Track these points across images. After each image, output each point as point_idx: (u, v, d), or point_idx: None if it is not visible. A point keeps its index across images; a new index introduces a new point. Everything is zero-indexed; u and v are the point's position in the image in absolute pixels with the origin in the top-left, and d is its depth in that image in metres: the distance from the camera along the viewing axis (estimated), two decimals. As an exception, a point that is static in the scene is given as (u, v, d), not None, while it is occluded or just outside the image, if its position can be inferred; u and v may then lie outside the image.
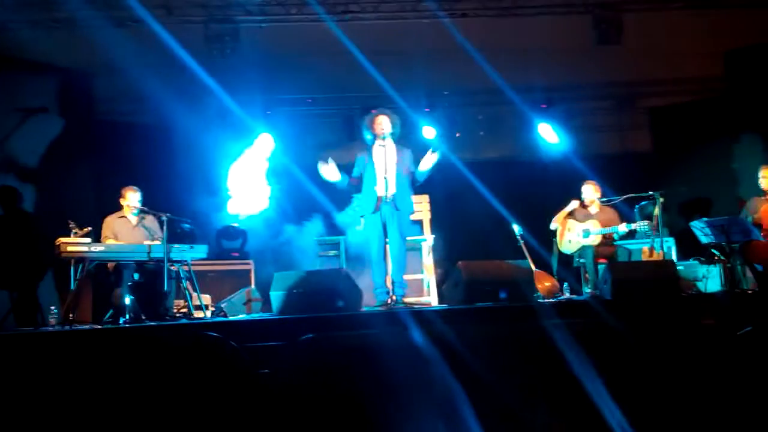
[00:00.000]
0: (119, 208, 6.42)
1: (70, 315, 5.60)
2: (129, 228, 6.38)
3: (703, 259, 7.06)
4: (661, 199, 6.64)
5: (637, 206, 7.50)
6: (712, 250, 6.72)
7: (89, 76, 7.80)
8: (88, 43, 7.28)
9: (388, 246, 5.97)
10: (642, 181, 7.80)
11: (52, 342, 4.70)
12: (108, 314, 5.92)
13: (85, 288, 6.04)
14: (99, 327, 5.54)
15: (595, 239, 6.65)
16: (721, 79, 8.79)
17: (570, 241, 6.84)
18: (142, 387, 3.98)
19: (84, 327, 5.62)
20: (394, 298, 5.79)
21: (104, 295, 6.15)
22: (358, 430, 4.08)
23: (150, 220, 6.48)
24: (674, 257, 7.27)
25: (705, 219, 6.40)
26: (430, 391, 4.12)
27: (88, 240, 5.86)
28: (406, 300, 5.98)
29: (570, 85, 9.57)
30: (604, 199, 6.97)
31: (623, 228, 6.58)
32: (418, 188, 6.22)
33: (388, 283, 5.92)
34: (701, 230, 6.40)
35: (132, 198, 6.36)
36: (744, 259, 6.33)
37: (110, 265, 6.11)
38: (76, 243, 5.74)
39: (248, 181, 8.67)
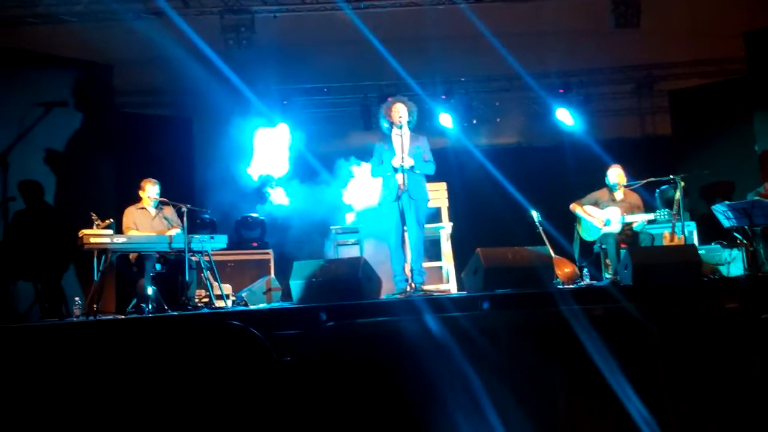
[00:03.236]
0: (139, 199, 6.50)
1: (94, 306, 5.67)
2: (149, 219, 6.45)
3: (725, 243, 6.97)
4: (682, 183, 6.55)
5: (657, 190, 7.42)
6: (735, 234, 6.63)
7: (108, 69, 7.85)
8: (106, 37, 7.35)
9: (406, 234, 5.97)
10: (662, 164, 7.72)
11: (77, 332, 4.77)
12: (131, 304, 5.99)
13: (109, 279, 6.11)
14: (123, 317, 5.62)
15: (616, 227, 6.56)
16: (741, 60, 8.65)
17: (591, 228, 6.77)
18: (167, 376, 4.04)
19: (108, 317, 5.70)
20: (413, 285, 5.80)
21: (127, 286, 6.22)
22: (379, 416, 4.11)
23: (169, 211, 6.55)
24: (696, 241, 7.19)
25: (727, 202, 6.32)
26: (450, 378, 4.13)
27: (110, 231, 5.93)
28: (425, 287, 5.99)
29: (588, 70, 9.50)
30: (625, 183, 6.86)
31: (644, 219, 6.45)
32: (436, 175, 6.20)
33: (407, 271, 5.93)
34: (723, 214, 6.32)
35: (150, 190, 6.43)
36: (767, 243, 6.24)
37: (132, 256, 6.18)
38: (98, 235, 5.82)
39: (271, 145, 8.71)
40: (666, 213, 6.44)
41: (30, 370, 4.14)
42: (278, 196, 8.74)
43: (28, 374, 4.12)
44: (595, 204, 6.76)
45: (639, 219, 6.48)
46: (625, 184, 6.77)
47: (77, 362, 4.17)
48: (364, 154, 6.15)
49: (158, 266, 6.15)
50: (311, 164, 8.59)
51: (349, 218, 7.71)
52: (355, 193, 7.82)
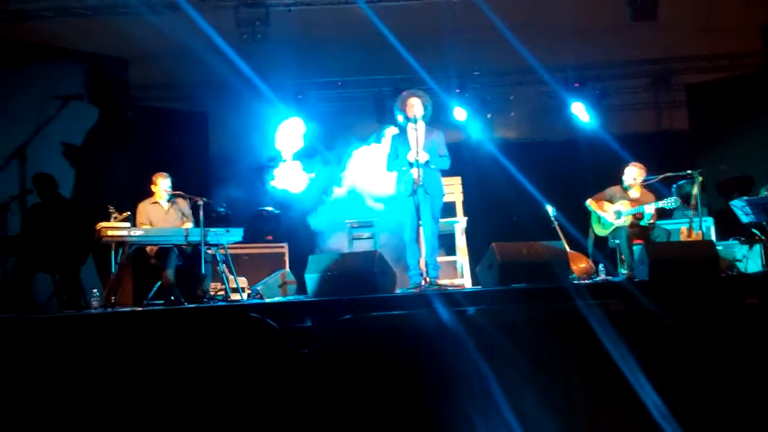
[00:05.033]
0: (151, 194, 6.53)
1: (112, 297, 5.72)
2: (162, 213, 6.48)
3: (743, 238, 6.91)
4: (700, 178, 6.50)
5: (674, 186, 7.36)
6: (753, 230, 6.57)
7: (123, 63, 7.89)
8: (121, 31, 7.38)
9: (421, 228, 5.97)
10: (679, 159, 7.67)
11: (95, 324, 4.81)
12: (152, 292, 6.04)
13: (126, 271, 6.17)
14: (141, 309, 5.66)
15: (626, 220, 6.52)
16: (758, 54, 8.57)
17: (604, 223, 6.74)
18: (185, 367, 4.07)
19: (126, 309, 5.75)
20: (428, 279, 5.80)
21: (144, 278, 6.27)
22: (394, 408, 4.13)
23: (183, 204, 6.58)
24: (713, 237, 7.14)
25: (745, 198, 6.26)
26: (465, 371, 4.14)
27: (127, 224, 5.98)
28: (440, 282, 5.99)
29: (604, 63, 9.42)
30: (640, 179, 6.80)
31: (650, 209, 6.39)
32: (451, 170, 6.19)
33: (422, 266, 5.93)
34: (741, 209, 6.27)
35: (163, 183, 6.46)
36: (785, 239, 6.20)
37: (150, 248, 6.22)
38: (115, 227, 5.86)
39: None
40: (673, 200, 6.36)
41: (49, 360, 4.18)
42: (283, 178, 8.72)
43: (47, 364, 4.17)
44: (609, 200, 6.73)
45: (648, 207, 6.39)
46: (642, 180, 6.70)
47: (95, 354, 4.21)
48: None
49: (179, 259, 6.20)
50: (325, 157, 8.60)
51: (337, 192, 7.74)
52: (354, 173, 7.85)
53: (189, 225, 6.36)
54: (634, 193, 6.66)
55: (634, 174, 6.65)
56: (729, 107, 8.83)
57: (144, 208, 6.45)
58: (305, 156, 8.85)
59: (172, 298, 5.81)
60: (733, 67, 9.26)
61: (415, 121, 5.87)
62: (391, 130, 5.98)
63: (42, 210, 6.86)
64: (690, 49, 9.19)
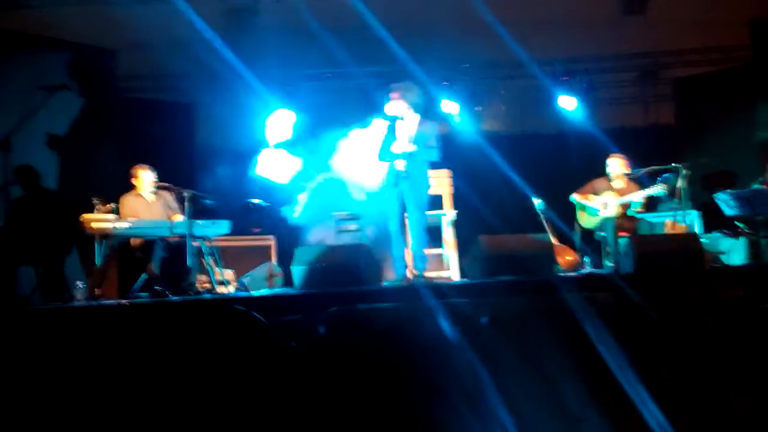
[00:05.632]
0: (133, 187, 6.47)
1: (97, 290, 5.69)
2: (146, 205, 6.44)
3: (727, 231, 6.96)
4: (685, 171, 6.54)
5: (659, 178, 7.40)
6: (737, 223, 6.62)
7: (110, 53, 7.82)
8: (108, 20, 7.31)
9: (407, 220, 5.96)
10: (666, 153, 7.68)
11: (79, 317, 4.78)
12: (137, 284, 6.01)
13: (111, 264, 6.13)
14: (126, 302, 5.63)
15: (613, 210, 6.57)
16: (746, 48, 8.60)
17: (591, 213, 6.78)
18: (170, 360, 4.05)
19: (112, 302, 5.71)
20: (414, 272, 5.80)
21: (129, 271, 6.23)
22: (381, 401, 4.13)
23: (169, 196, 6.53)
24: (698, 230, 7.18)
25: (730, 191, 6.30)
26: (452, 366, 4.14)
27: (112, 216, 5.93)
28: (427, 274, 5.99)
29: (592, 57, 9.43)
30: (626, 172, 6.85)
31: (638, 197, 6.46)
32: (439, 163, 6.18)
33: (407, 257, 5.93)
34: (726, 202, 6.31)
35: (145, 176, 6.40)
36: (769, 232, 6.24)
37: (135, 241, 6.18)
38: (100, 219, 5.82)
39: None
40: (661, 188, 6.41)
41: (32, 354, 4.16)
42: (267, 166, 8.69)
43: (31, 358, 4.14)
44: (596, 193, 6.78)
45: (636, 195, 6.46)
46: (627, 173, 6.77)
47: (80, 347, 4.19)
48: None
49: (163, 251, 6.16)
50: (311, 147, 8.56)
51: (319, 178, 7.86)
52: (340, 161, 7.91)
53: (179, 218, 6.31)
54: (619, 183, 6.74)
55: (616, 165, 6.73)
56: (715, 101, 8.88)
57: (128, 200, 6.40)
58: (292, 146, 8.81)
59: (157, 289, 5.78)
60: (722, 61, 9.28)
61: (402, 118, 5.86)
62: (379, 120, 5.98)
63: (25, 202, 6.80)
64: (679, 43, 9.20)
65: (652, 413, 4.02)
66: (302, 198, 8.00)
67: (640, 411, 4.04)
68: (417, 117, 5.92)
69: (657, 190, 6.40)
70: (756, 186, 6.49)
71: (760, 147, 8.06)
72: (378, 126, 6.06)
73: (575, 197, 6.84)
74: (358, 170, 7.75)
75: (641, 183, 6.83)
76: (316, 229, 7.80)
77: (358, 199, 7.59)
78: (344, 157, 8.01)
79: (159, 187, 6.43)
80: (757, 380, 4.13)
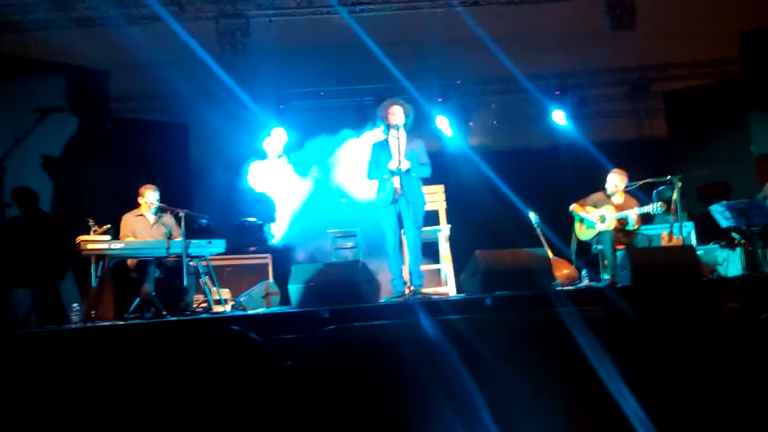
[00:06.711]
0: (137, 205, 6.47)
1: (93, 312, 5.66)
2: (147, 226, 6.42)
3: (723, 243, 6.98)
4: (679, 184, 6.56)
5: (654, 191, 7.43)
6: (732, 234, 6.64)
7: (104, 75, 7.84)
8: (102, 42, 7.35)
9: (404, 237, 5.96)
10: (659, 166, 7.72)
11: (75, 339, 4.76)
12: (132, 307, 5.98)
13: (107, 285, 6.11)
14: (122, 323, 5.60)
15: (610, 224, 6.58)
16: (737, 61, 8.68)
17: (588, 225, 6.78)
18: (166, 381, 4.02)
19: (107, 323, 5.68)
20: (411, 288, 5.79)
21: (126, 292, 6.20)
22: (378, 420, 4.11)
23: (167, 218, 6.52)
24: (694, 242, 7.20)
25: (725, 202, 6.33)
26: (448, 382, 4.13)
27: (108, 237, 5.91)
28: (424, 290, 5.98)
29: (584, 72, 9.53)
30: (622, 185, 6.86)
31: (634, 214, 6.46)
32: (433, 178, 6.20)
33: (405, 274, 5.92)
34: (721, 214, 6.33)
35: (150, 196, 6.40)
36: (765, 243, 6.25)
37: (131, 262, 6.16)
38: (95, 241, 5.80)
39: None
40: (659, 206, 6.42)
41: (29, 376, 4.12)
42: (260, 177, 8.67)
43: (27, 380, 4.10)
44: (594, 206, 6.78)
45: (632, 213, 6.48)
46: (624, 186, 6.77)
47: (76, 369, 4.16)
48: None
49: (157, 272, 6.13)
50: (307, 167, 8.59)
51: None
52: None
53: (180, 238, 6.28)
54: (618, 199, 6.73)
55: (616, 180, 6.74)
56: (707, 114, 8.95)
57: (128, 220, 6.39)
58: (285, 162, 8.84)
59: (153, 311, 5.75)
60: (711, 74, 9.39)
61: (398, 129, 5.87)
62: (370, 135, 6.00)
63: (21, 223, 6.78)
64: (668, 57, 9.30)
65: (645, 426, 4.01)
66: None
67: (633, 424, 4.03)
68: (407, 134, 5.93)
69: (655, 208, 6.40)
70: (759, 198, 6.50)
71: (755, 159, 8.11)
72: (369, 142, 6.08)
73: (574, 209, 6.84)
74: (351, 183, 7.78)
75: (638, 197, 6.84)
76: (307, 246, 7.81)
77: (351, 212, 7.62)
78: (337, 171, 8.04)
79: (159, 209, 6.42)
80: (754, 391, 4.12)
